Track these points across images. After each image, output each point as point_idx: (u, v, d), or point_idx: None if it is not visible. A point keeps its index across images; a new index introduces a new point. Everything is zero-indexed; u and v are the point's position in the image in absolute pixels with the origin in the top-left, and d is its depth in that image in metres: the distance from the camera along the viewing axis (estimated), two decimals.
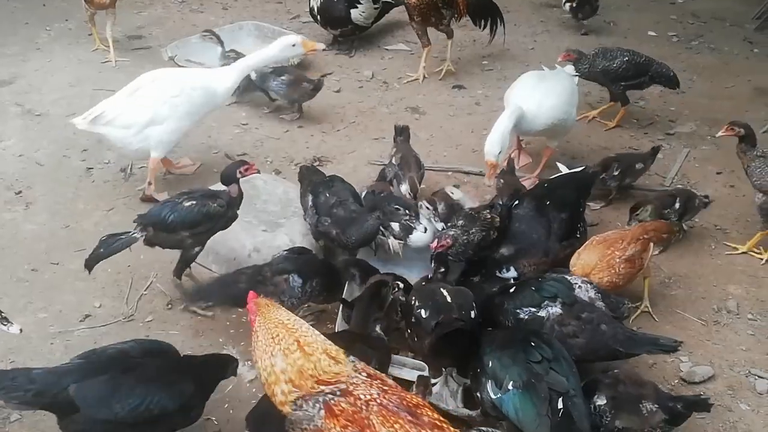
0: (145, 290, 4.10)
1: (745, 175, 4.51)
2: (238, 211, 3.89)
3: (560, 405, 2.90)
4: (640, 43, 7.05)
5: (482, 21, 6.66)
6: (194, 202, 3.73)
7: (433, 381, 3.42)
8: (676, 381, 3.68)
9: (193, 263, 3.93)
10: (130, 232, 3.71)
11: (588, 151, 5.52)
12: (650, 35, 7.51)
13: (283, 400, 2.50)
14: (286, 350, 2.52)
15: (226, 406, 3.43)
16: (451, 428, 2.44)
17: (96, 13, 6.40)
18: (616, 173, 4.83)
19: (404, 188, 4.45)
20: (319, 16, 6.77)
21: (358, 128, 5.79)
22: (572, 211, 4.15)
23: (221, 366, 3.21)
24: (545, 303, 3.42)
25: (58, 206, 4.74)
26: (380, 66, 6.75)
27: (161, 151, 4.65)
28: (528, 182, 4.89)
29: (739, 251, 4.55)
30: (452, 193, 4.54)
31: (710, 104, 6.24)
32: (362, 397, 2.44)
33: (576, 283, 3.54)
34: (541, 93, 4.69)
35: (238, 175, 3.84)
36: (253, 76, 5.56)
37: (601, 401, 3.08)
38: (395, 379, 3.03)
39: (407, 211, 3.99)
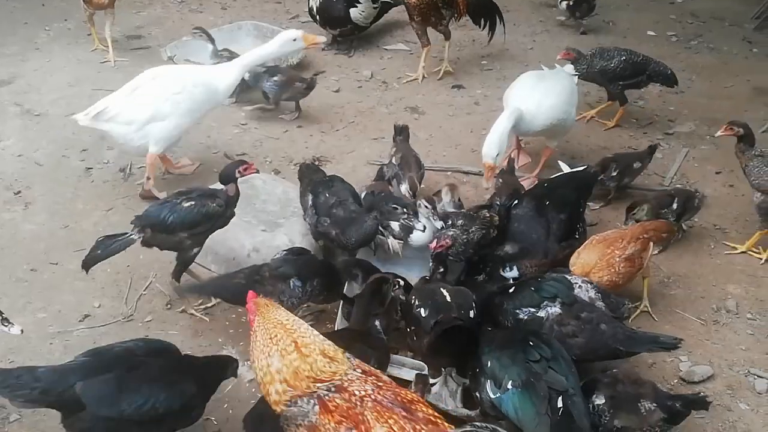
0: (144, 290, 4.10)
1: (744, 175, 4.52)
2: (235, 210, 3.88)
3: (560, 404, 2.90)
4: (639, 42, 7.05)
5: (482, 21, 6.66)
6: (193, 203, 3.71)
7: (432, 381, 3.43)
8: (676, 381, 3.68)
9: (193, 263, 3.93)
10: (127, 233, 3.70)
11: (587, 151, 5.52)
12: (649, 35, 7.51)
13: (278, 399, 2.50)
14: (283, 351, 2.52)
15: (226, 406, 3.43)
16: (446, 424, 2.45)
17: (95, 13, 6.40)
18: (614, 174, 4.83)
19: (404, 188, 4.45)
20: (318, 16, 6.77)
21: (357, 128, 5.79)
22: (572, 211, 4.14)
23: (222, 367, 3.21)
24: (544, 303, 3.42)
25: (58, 206, 4.74)
26: (379, 66, 6.75)
27: (160, 146, 4.65)
28: (527, 182, 4.88)
29: (739, 251, 4.55)
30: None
31: (709, 104, 6.24)
32: (357, 393, 2.45)
33: (576, 283, 3.54)
34: (541, 93, 4.68)
35: (237, 175, 3.83)
36: (246, 76, 5.47)
37: (599, 400, 3.08)
38: (394, 378, 3.03)
39: (406, 211, 3.99)
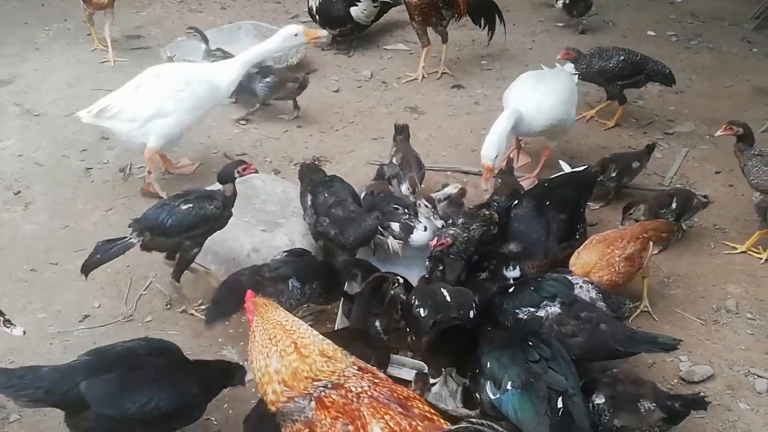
0: (144, 290, 4.11)
1: (743, 174, 4.52)
2: (233, 210, 3.87)
3: (559, 404, 2.90)
4: (639, 42, 7.04)
5: (482, 21, 6.65)
6: (191, 205, 3.69)
7: (432, 381, 3.43)
8: (676, 380, 3.68)
9: (192, 264, 3.93)
10: (126, 237, 3.68)
11: (587, 151, 5.52)
12: (649, 35, 7.50)
13: (274, 399, 2.50)
14: (282, 352, 2.52)
15: (226, 405, 3.43)
16: (441, 420, 2.45)
17: (94, 13, 6.40)
18: (613, 174, 4.83)
19: (405, 188, 4.45)
20: (317, 16, 6.76)
21: (357, 128, 5.78)
22: (572, 211, 4.14)
23: (229, 373, 3.20)
24: (544, 303, 3.43)
25: (57, 206, 4.74)
26: (379, 66, 6.75)
27: (160, 143, 4.64)
28: (527, 182, 4.88)
29: (738, 251, 4.55)
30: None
31: (709, 104, 6.24)
32: (353, 389, 2.45)
33: (577, 283, 3.54)
34: (540, 93, 4.67)
35: (236, 175, 3.81)
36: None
37: (599, 400, 3.08)
38: (394, 378, 3.03)
39: (407, 211, 3.99)
